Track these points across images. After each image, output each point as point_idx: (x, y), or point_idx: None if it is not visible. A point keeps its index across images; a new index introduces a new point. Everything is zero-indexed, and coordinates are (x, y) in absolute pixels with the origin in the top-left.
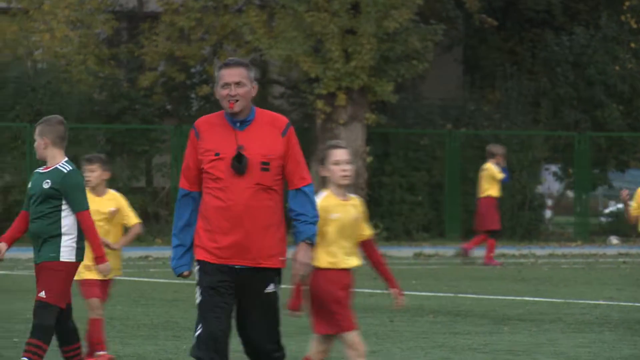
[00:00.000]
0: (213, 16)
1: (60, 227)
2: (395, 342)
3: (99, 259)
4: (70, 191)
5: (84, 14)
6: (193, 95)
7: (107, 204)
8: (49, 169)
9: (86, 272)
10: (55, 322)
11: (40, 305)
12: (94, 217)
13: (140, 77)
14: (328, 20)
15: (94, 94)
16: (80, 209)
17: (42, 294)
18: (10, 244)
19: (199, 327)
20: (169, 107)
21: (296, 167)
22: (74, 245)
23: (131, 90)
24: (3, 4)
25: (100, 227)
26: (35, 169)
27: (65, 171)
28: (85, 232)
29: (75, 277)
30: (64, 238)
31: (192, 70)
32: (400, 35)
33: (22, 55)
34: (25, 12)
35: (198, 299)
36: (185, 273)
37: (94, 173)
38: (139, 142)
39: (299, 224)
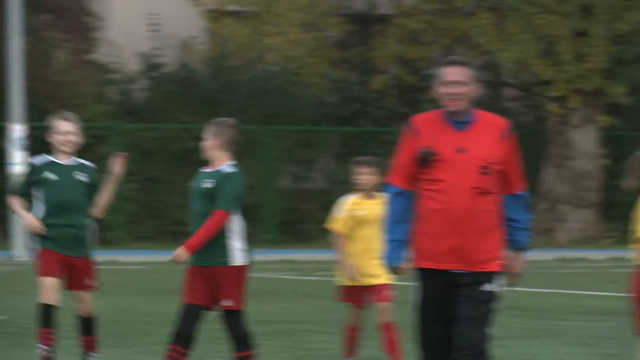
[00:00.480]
0: (444, 19)
1: (227, 231)
2: (634, 345)
3: (189, 247)
4: (223, 189)
5: (315, 16)
6: (424, 98)
7: (378, 207)
8: (212, 169)
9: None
10: (244, 325)
11: (229, 315)
12: (364, 223)
13: (372, 80)
14: (558, 22)
15: (325, 96)
16: (221, 207)
17: (228, 302)
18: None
19: (419, 336)
20: (400, 109)
21: (514, 173)
22: (242, 247)
23: (363, 92)
24: (235, 8)
25: (369, 231)
26: (269, 171)
27: (228, 172)
28: (204, 226)
29: (343, 283)
30: (230, 241)
31: (423, 72)
32: (632, 37)
33: (254, 59)
34: (257, 15)
35: (416, 306)
36: (400, 266)
37: (365, 176)
38: (372, 144)
39: (513, 231)
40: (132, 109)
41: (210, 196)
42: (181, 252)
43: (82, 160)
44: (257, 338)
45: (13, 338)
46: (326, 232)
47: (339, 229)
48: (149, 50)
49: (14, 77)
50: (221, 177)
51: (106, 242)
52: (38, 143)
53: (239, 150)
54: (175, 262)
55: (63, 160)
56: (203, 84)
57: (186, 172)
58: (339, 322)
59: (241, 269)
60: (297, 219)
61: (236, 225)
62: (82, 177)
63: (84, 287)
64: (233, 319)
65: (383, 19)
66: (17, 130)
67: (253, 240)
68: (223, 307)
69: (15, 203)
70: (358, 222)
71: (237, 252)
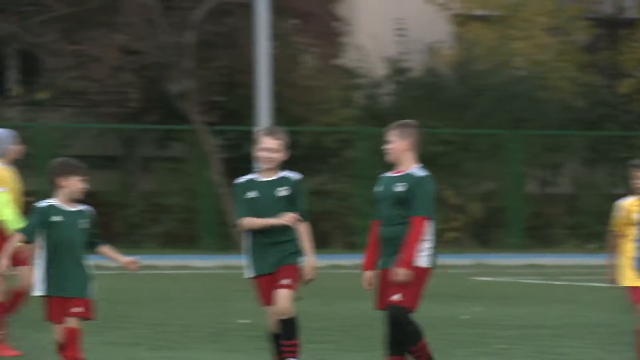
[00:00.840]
0: None
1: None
2: None
3: (406, 264)
4: (419, 195)
5: (562, 21)
6: None
7: None
8: (401, 173)
9: (637, 279)
10: (409, 324)
11: (395, 310)
12: None
13: (620, 84)
14: None
15: (572, 101)
16: (419, 213)
17: (397, 297)
18: (372, 268)
19: None
20: None
21: None
22: (428, 251)
23: (610, 96)
24: (482, 12)
25: None
26: (515, 175)
27: (420, 175)
28: (410, 236)
29: (627, 284)
30: (420, 244)
31: None
32: None
33: (500, 63)
34: (503, 20)
35: None
36: None
37: None
38: (619, 149)
39: None
40: (378, 114)
41: (402, 200)
42: (402, 272)
43: (284, 173)
44: (503, 342)
45: (258, 342)
46: (572, 236)
47: (618, 231)
48: (396, 54)
49: (262, 81)
50: (414, 181)
51: (353, 246)
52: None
53: (485, 156)
54: (399, 281)
55: (264, 176)
56: (449, 88)
57: (434, 177)
58: (585, 327)
59: (423, 271)
60: (544, 224)
61: (428, 229)
62: (282, 191)
63: (280, 287)
64: (398, 316)
65: (631, 23)
66: None
67: (498, 244)
68: (390, 302)
69: (252, 223)
70: (634, 224)
71: (423, 253)
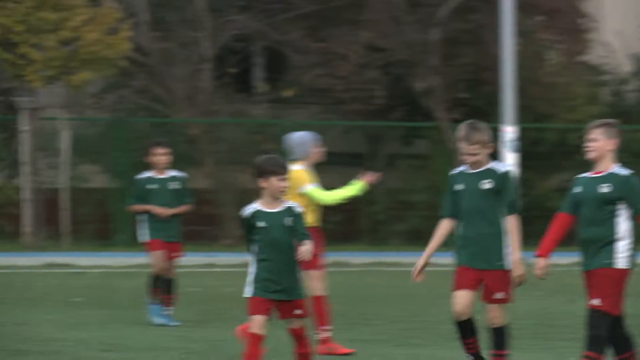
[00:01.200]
0: None
1: (616, 233)
2: None
3: None
4: (631, 195)
5: None
6: None
7: None
8: (602, 173)
9: None
10: (610, 331)
11: (595, 315)
12: None
13: None
14: None
15: None
16: None
17: (597, 302)
18: (548, 255)
19: None
20: None
21: None
22: (629, 252)
23: None
24: None
25: None
26: None
27: (625, 175)
28: None
29: None
30: (619, 244)
31: None
32: None
33: None
34: None
35: None
36: None
37: None
38: None
39: None
40: (625, 111)
41: (608, 201)
42: None
43: (492, 165)
44: None
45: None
46: None
47: None
48: None
49: (507, 79)
50: (621, 181)
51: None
52: (529, 145)
53: None
54: None
55: (472, 168)
56: None
57: None
58: None
59: (622, 272)
60: None
61: (628, 228)
62: (486, 184)
63: (493, 301)
64: (597, 321)
65: None
66: (509, 132)
67: None
68: (590, 306)
69: (442, 225)
70: None
71: (622, 255)
